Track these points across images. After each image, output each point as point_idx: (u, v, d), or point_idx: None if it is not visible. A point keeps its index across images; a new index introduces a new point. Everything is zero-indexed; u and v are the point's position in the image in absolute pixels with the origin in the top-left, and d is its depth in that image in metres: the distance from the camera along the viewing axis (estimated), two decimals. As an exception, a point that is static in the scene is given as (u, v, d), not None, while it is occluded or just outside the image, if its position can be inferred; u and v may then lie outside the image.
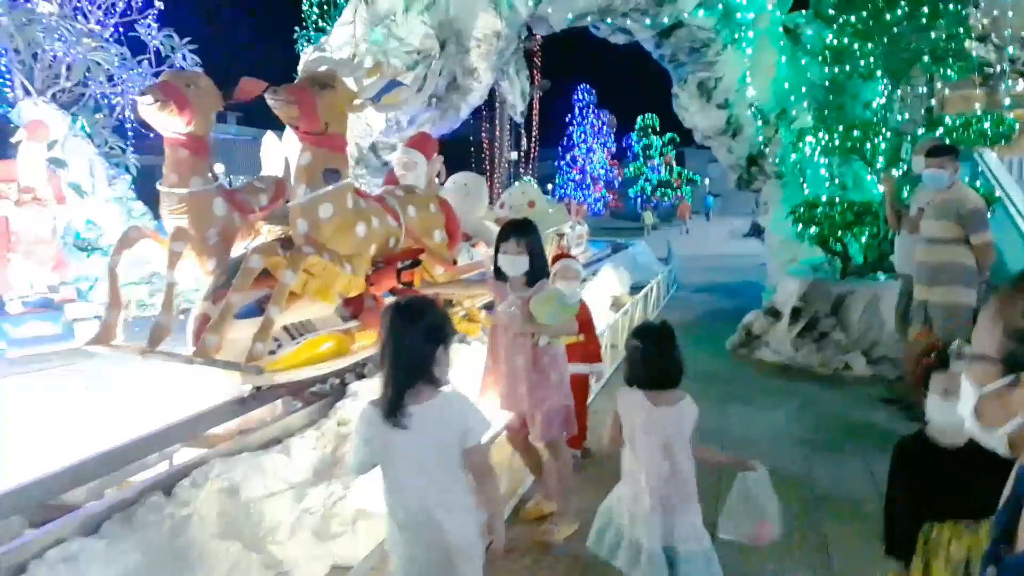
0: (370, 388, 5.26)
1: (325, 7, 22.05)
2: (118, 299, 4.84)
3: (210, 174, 5.02)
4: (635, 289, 12.63)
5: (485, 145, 34.08)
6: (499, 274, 4.18)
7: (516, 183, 12.79)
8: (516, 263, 4.05)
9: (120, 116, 15.42)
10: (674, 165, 49.52)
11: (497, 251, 4.13)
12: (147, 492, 3.59)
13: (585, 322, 5.41)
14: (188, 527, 3.48)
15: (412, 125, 10.27)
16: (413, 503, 2.49)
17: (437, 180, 7.06)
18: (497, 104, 22.49)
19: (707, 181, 50.40)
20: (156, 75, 15.40)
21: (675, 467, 3.03)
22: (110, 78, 14.28)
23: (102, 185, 12.49)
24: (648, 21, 10.92)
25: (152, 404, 5.34)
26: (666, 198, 49.21)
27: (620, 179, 50.73)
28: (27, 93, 13.15)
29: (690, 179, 49.43)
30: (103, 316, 4.84)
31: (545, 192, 44.23)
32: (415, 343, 2.45)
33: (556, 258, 5.96)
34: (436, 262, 5.80)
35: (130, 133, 15.64)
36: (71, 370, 8.03)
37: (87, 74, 13.08)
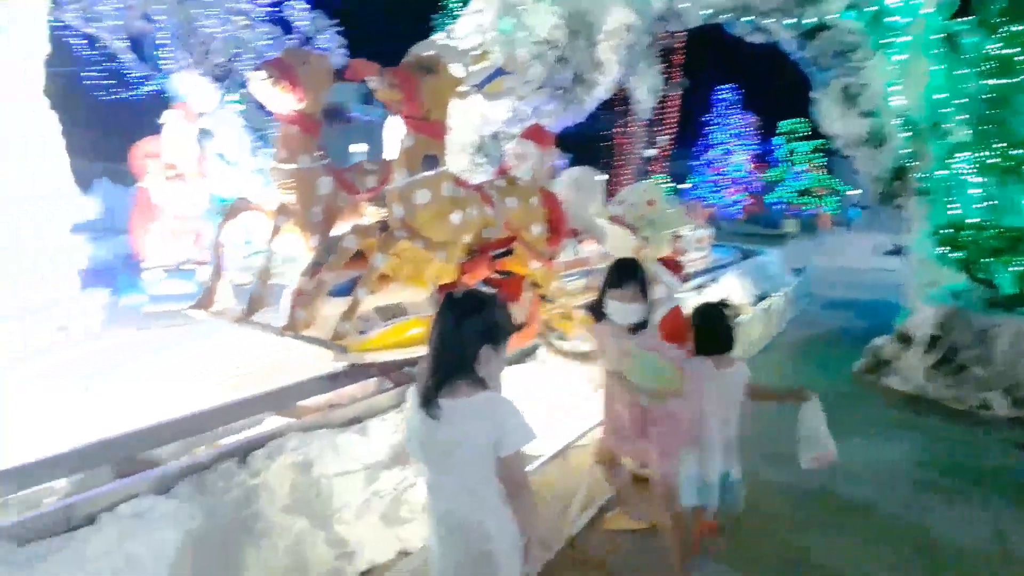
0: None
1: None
2: (220, 267, 4.98)
3: (319, 152, 5.08)
4: (761, 300, 12.03)
5: (617, 141, 33.62)
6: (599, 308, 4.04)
7: (640, 182, 12.48)
8: (629, 312, 3.89)
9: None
10: (820, 173, 47.15)
11: (604, 292, 3.96)
12: (222, 458, 3.68)
13: (685, 328, 5.13)
14: (257, 497, 3.54)
15: (535, 116, 10.19)
16: (443, 502, 2.46)
17: (550, 173, 6.93)
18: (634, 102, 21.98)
19: (854, 192, 47.65)
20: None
21: (731, 414, 3.89)
22: (258, 56, 15.04)
23: (246, 156, 13.19)
24: (790, 21, 10.32)
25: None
26: (808, 206, 46.95)
27: (760, 184, 48.81)
28: (183, 66, 14.07)
29: (836, 189, 46.92)
30: (207, 282, 4.99)
31: (677, 193, 43.34)
32: (463, 338, 2.41)
33: (666, 260, 5.86)
34: (531, 256, 5.67)
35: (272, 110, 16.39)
36: (181, 329, 8.43)
37: (235, 50, 13.77)
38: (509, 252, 5.39)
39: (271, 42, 15.18)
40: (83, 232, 12.31)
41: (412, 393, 2.54)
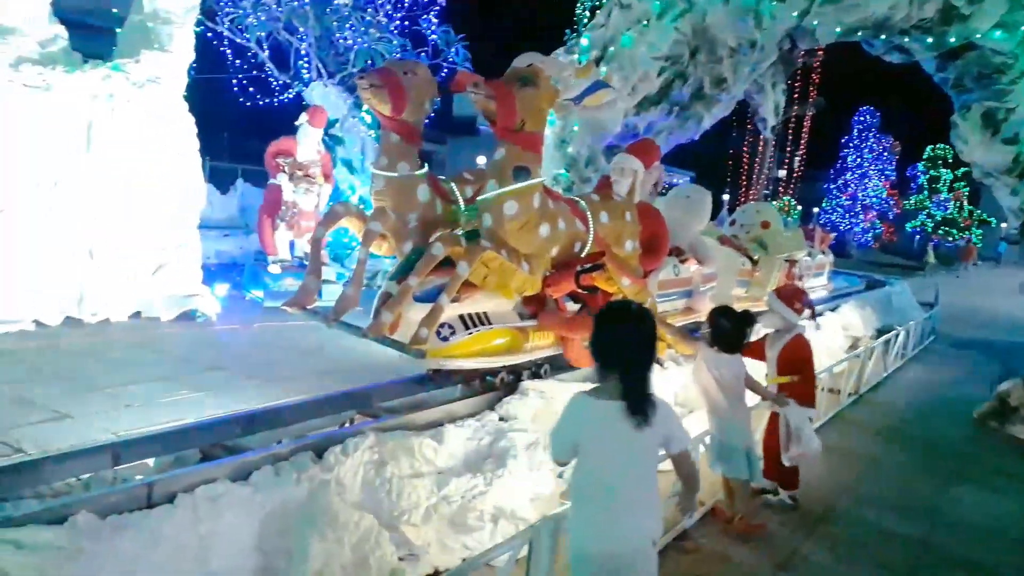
0: (540, 389, 5.21)
1: (597, 9, 22.42)
2: (318, 268, 5.09)
3: (418, 160, 5.17)
4: (883, 333, 11.34)
5: (744, 161, 32.68)
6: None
7: (754, 203, 12.02)
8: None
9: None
10: (965, 203, 44.12)
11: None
12: (299, 450, 3.81)
13: (803, 360, 5.17)
14: (327, 491, 3.63)
15: (649, 132, 10.06)
16: (608, 498, 2.71)
17: (654, 190, 6.82)
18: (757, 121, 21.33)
19: (1004, 225, 44.25)
20: (431, 67, 16.57)
21: (739, 395, 4.71)
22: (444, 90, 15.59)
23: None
24: (931, 40, 9.72)
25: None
26: (950, 237, 44.01)
27: (897, 211, 46.16)
28: (319, 76, 14.79)
29: (983, 220, 43.79)
30: (303, 281, 5.05)
31: (809, 217, 41.61)
32: (650, 345, 2.80)
33: (781, 289, 5.74)
34: (623, 273, 5.56)
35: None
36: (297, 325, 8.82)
37: (368, 62, 14.33)
38: (598, 267, 5.31)
39: (401, 54, 15.70)
40: (214, 229, 13.11)
41: (585, 397, 2.79)
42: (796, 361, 5.14)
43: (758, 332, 8.75)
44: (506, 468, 4.33)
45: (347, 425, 4.65)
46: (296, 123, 11.64)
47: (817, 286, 12.70)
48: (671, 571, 4.20)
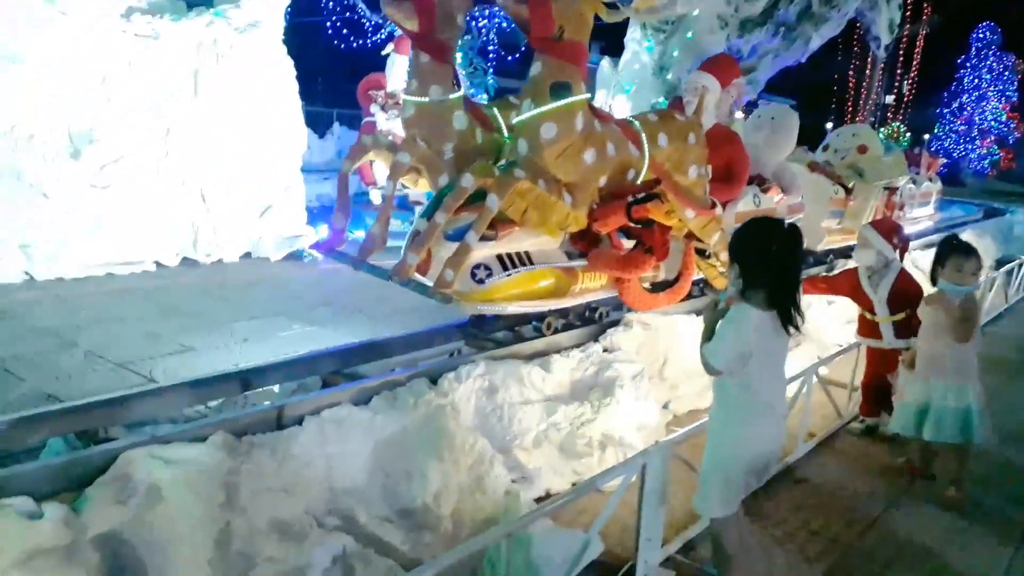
0: (644, 321, 5.19)
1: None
2: (347, 206, 4.62)
3: (454, 82, 4.57)
4: (1004, 264, 10.70)
5: (851, 86, 30.96)
6: None
7: (848, 125, 11.15)
8: None
9: (485, 39, 16.60)
10: (1097, 123, 40.67)
11: None
12: (415, 377, 3.94)
13: (918, 295, 4.78)
14: (443, 415, 3.74)
15: (753, 55, 9.63)
16: (780, 403, 3.05)
17: (733, 111, 6.24)
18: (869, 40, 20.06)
19: None
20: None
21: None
22: (478, 2, 15.42)
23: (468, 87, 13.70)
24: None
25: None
26: (1079, 162, 40.80)
27: (1018, 135, 42.99)
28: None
29: (1118, 141, 40.33)
30: (332, 221, 4.64)
31: (919, 144, 39.29)
32: (800, 259, 3.00)
33: (878, 222, 5.32)
34: (686, 204, 4.90)
35: (491, 56, 16.82)
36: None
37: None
38: (652, 197, 4.70)
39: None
40: (315, 172, 13.43)
41: (756, 312, 2.83)
42: (911, 297, 4.84)
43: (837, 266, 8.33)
44: (613, 397, 4.36)
45: (455, 355, 4.74)
46: (383, 53, 11.67)
47: (922, 216, 11.80)
48: (785, 500, 4.17)
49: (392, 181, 4.51)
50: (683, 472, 3.70)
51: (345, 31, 16.17)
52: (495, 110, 4.82)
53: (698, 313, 5.74)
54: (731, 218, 5.76)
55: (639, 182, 4.78)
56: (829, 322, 6.99)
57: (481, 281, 4.29)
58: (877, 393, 5.08)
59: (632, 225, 4.73)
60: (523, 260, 4.47)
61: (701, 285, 6.16)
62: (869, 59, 28.19)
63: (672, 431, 3.98)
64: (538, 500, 3.87)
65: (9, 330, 5.98)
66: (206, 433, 3.12)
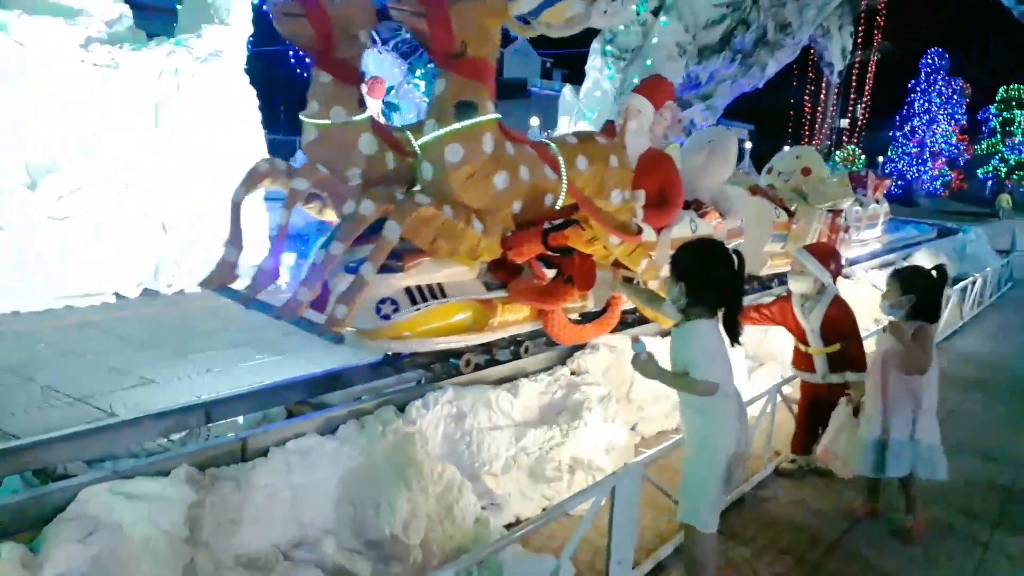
0: (611, 343, 5.22)
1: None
2: (239, 238, 4.12)
3: (359, 104, 4.19)
4: (958, 281, 10.97)
5: (806, 110, 31.67)
6: None
7: (791, 147, 10.85)
8: None
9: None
10: (1043, 145, 42.11)
11: None
12: (382, 404, 3.91)
13: (851, 323, 4.66)
14: (411, 443, 3.72)
15: (711, 82, 9.84)
16: (743, 407, 3.17)
17: (672, 132, 5.92)
18: (823, 66, 20.63)
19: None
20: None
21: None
22: (383, 19, 15.58)
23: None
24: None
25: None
26: (1025, 182, 42.15)
27: (968, 156, 44.34)
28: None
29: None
30: (223, 254, 4.13)
31: (874, 166, 40.26)
32: (741, 283, 3.17)
33: (814, 247, 4.91)
34: (609, 230, 4.55)
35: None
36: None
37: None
38: (570, 223, 4.33)
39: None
40: (278, 200, 13.31)
41: (713, 327, 3.04)
42: (845, 327, 4.63)
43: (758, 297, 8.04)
44: (581, 420, 4.37)
45: (421, 382, 4.68)
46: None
47: (870, 238, 11.78)
48: (753, 518, 4.21)
49: (287, 210, 4.07)
50: (653, 494, 3.73)
51: (307, 60, 16.14)
52: (408, 133, 4.43)
53: (664, 335, 5.76)
54: (666, 244, 5.44)
55: (558, 207, 4.49)
56: (791, 342, 7.08)
57: (387, 317, 3.91)
58: (810, 430, 4.82)
59: (550, 254, 4.41)
60: (434, 293, 4.10)
61: (636, 313, 5.93)
62: (823, 84, 28.88)
63: (641, 452, 4.01)
64: (508, 526, 3.86)
65: (-38, 366, 5.83)
66: (169, 467, 3.06)
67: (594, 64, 10.87)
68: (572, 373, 4.85)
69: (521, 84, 41.06)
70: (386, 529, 3.33)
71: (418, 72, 15.03)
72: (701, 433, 3.10)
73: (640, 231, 4.92)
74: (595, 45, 11.25)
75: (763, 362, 6.62)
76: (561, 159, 4.47)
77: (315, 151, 4.17)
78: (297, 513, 3.26)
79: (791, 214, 8.71)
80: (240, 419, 4.21)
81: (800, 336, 4.78)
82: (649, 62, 9.74)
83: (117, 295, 8.38)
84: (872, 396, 4.17)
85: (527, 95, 40.65)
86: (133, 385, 5.58)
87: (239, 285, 4.20)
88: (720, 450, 3.03)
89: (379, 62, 13.84)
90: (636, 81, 9.98)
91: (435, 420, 3.98)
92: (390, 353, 4.64)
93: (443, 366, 4.67)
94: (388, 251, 3.66)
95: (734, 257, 3.07)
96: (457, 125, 3.82)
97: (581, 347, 5.16)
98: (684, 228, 5.95)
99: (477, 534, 3.60)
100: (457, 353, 4.59)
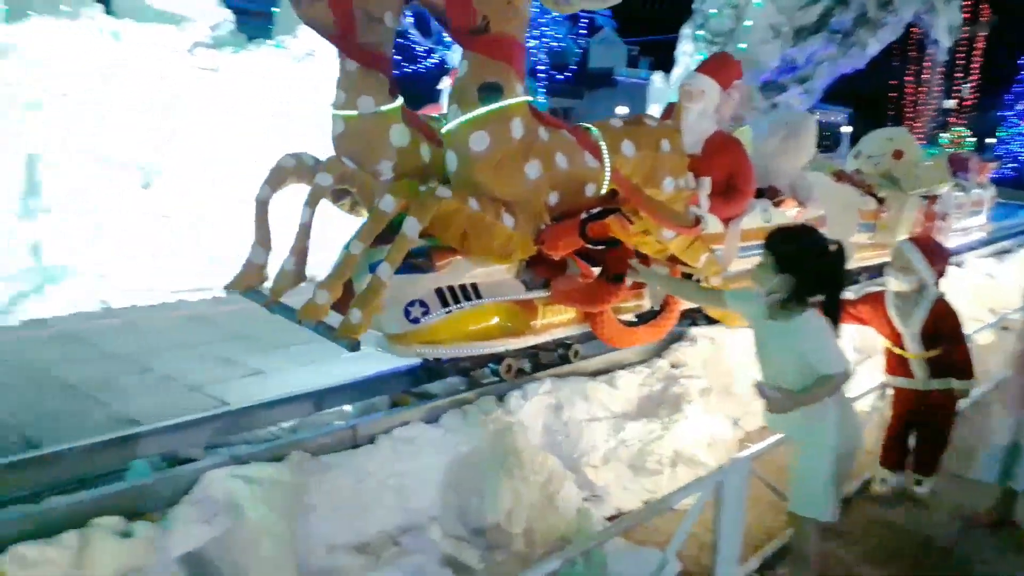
0: (710, 335, 5.13)
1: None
2: (267, 238, 3.95)
3: (390, 92, 3.86)
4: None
5: (908, 91, 30.21)
6: None
7: (882, 129, 9.73)
8: None
9: (535, 59, 16.76)
10: None
11: None
12: (483, 395, 3.96)
13: (955, 327, 4.16)
14: (512, 433, 3.75)
15: (809, 64, 9.50)
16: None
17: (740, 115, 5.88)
18: (927, 43, 19.62)
19: None
20: (569, 19, 16.49)
21: None
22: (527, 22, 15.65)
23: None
24: None
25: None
26: None
27: (1089, 137, 41.41)
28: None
29: None
30: (248, 256, 3.99)
31: (983, 149, 38.18)
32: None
33: (920, 238, 4.39)
34: (661, 221, 4.17)
35: (542, 75, 16.95)
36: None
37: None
38: (609, 212, 3.90)
39: (538, 8, 15.68)
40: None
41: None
42: (949, 330, 4.12)
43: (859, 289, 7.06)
44: (681, 413, 4.31)
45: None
46: (438, 87, 11.85)
47: (972, 226, 10.71)
48: (859, 517, 4.08)
49: (309, 207, 3.73)
50: (759, 488, 3.64)
51: (396, 56, 16.47)
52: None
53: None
54: (735, 236, 5.09)
55: (601, 197, 4.08)
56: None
57: (416, 320, 3.66)
58: (904, 443, 4.36)
59: (591, 247, 4.00)
60: (468, 294, 3.83)
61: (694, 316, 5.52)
62: (928, 63, 27.49)
63: (745, 447, 3.91)
64: (609, 519, 3.84)
65: (87, 355, 6.20)
66: (283, 452, 3.18)
67: (685, 49, 10.66)
68: (672, 366, 4.79)
69: (607, 73, 40.69)
70: (489, 517, 3.37)
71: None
72: (810, 426, 2.96)
73: (698, 222, 4.46)
74: (685, 30, 11.03)
75: (871, 355, 6.36)
76: (603, 144, 4.04)
77: (343, 144, 3.89)
78: (404, 500, 3.34)
79: (881, 201, 8.03)
80: (349, 407, 4.33)
81: (894, 339, 4.22)
82: (743, 45, 9.48)
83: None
84: (1015, 398, 3.87)
85: (613, 84, 40.25)
86: (242, 376, 5.80)
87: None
88: (830, 443, 2.91)
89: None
90: (730, 66, 9.72)
91: (534, 411, 4.01)
92: (425, 359, 4.36)
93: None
94: (406, 250, 3.37)
95: (837, 247, 2.88)
96: (482, 110, 3.50)
97: (678, 339, 5.08)
98: (756, 218, 5.42)
99: (579, 525, 3.60)
100: (498, 358, 4.31)
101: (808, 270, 2.85)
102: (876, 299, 4.27)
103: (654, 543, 3.54)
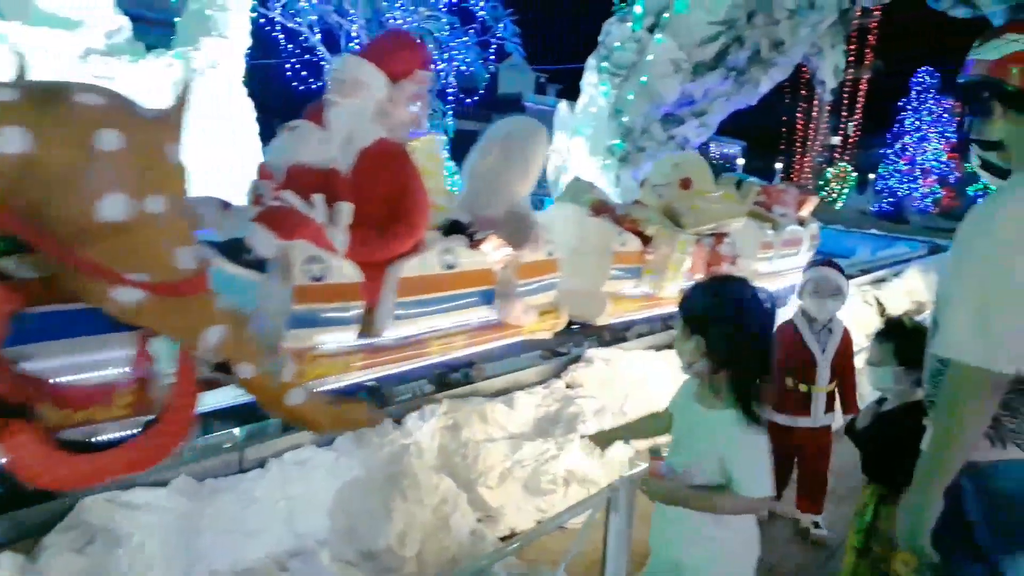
0: (604, 357, 5.25)
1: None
2: None
3: None
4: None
5: (798, 127, 31.95)
6: None
7: (669, 154, 8.49)
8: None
9: (444, 81, 16.88)
10: (1032, 163, 42.44)
11: None
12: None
13: (851, 357, 4.07)
14: (407, 455, 3.74)
15: (706, 99, 9.94)
16: None
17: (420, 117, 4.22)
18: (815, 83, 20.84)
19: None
20: (479, 43, 16.73)
21: None
22: (439, 45, 15.81)
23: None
24: (1001, -12, 9.39)
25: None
26: (1016, 200, 42.44)
27: (958, 174, 44.65)
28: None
29: (1051, 180, 42.09)
30: None
31: (863, 185, 40.53)
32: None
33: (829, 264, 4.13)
34: (92, 270, 2.48)
35: (450, 98, 17.09)
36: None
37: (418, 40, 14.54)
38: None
39: (448, 32, 15.87)
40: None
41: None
42: (850, 357, 4.09)
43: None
44: (576, 433, 4.39)
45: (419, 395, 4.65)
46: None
47: (786, 269, 8.28)
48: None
49: None
50: (649, 507, 3.73)
51: (304, 72, 16.29)
52: None
53: (658, 349, 5.77)
54: (391, 287, 3.86)
55: None
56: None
57: None
58: (821, 484, 4.19)
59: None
60: None
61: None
62: (816, 102, 29.16)
63: (636, 465, 4.02)
64: (503, 539, 3.86)
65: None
66: (167, 477, 3.08)
67: (590, 80, 10.97)
68: (567, 386, 4.88)
69: (516, 99, 41.33)
70: (381, 541, 3.35)
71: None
72: (712, 548, 2.37)
73: (197, 276, 2.77)
74: (591, 61, 11.36)
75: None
76: None
77: None
78: (293, 524, 3.27)
79: (647, 240, 6.26)
80: (237, 431, 4.20)
81: (802, 373, 4.00)
82: (644, 79, 9.84)
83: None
84: None
85: (521, 109, 40.92)
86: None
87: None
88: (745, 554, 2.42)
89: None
90: (631, 98, 10.08)
91: (431, 432, 4.00)
92: None
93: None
94: None
95: (767, 300, 2.21)
96: None
97: (576, 360, 5.19)
98: (433, 263, 4.12)
99: (472, 546, 3.61)
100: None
101: (724, 331, 2.17)
102: (786, 328, 4.02)
103: (547, 562, 3.59)
